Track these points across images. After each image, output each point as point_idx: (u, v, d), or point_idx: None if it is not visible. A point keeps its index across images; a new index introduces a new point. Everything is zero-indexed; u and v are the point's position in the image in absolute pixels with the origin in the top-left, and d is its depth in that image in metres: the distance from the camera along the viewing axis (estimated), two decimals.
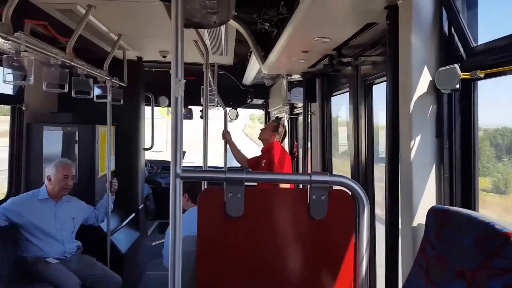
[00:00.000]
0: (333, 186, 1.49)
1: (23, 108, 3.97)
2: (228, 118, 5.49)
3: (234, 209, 1.50)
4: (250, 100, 6.18)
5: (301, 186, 2.59)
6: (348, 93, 2.75)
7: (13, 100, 3.94)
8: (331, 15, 1.91)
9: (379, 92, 2.56)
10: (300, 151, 5.02)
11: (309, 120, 3.48)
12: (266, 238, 1.55)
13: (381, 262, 1.96)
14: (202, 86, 4.06)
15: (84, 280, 3.54)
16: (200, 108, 6.43)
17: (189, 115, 6.49)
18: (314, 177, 1.44)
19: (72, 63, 3.09)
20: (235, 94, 5.96)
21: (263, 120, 7.38)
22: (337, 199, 1.50)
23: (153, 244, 5.62)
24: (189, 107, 6.40)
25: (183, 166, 1.43)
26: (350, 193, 1.45)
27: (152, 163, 6.55)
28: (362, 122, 2.49)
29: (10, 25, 2.27)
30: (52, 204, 3.67)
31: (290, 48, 2.53)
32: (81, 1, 2.94)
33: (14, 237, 3.53)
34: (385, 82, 2.29)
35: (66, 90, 3.01)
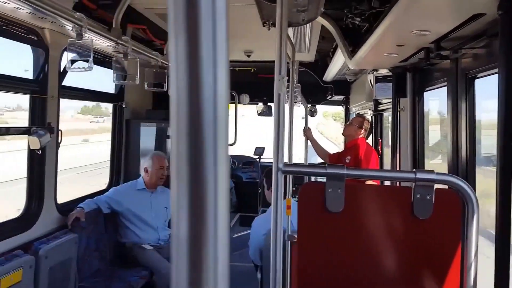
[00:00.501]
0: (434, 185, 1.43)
1: (124, 106, 4.34)
2: None
3: (334, 204, 1.51)
4: (330, 96, 6.11)
5: (394, 183, 2.53)
6: (444, 88, 2.61)
7: (115, 99, 4.31)
8: (435, 7, 1.84)
9: (481, 86, 2.41)
10: (385, 148, 4.87)
11: (399, 117, 3.37)
12: (367, 234, 1.54)
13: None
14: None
15: None
16: None
17: (268, 112, 6.59)
18: (420, 175, 1.41)
19: (170, 64, 3.31)
20: (314, 91, 5.94)
21: (337, 118, 7.23)
22: (443, 198, 1.45)
23: (234, 236, 5.82)
24: (269, 104, 6.50)
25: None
26: (456, 193, 1.40)
27: (233, 158, 6.76)
28: (463, 118, 2.35)
29: (120, 30, 2.50)
30: (148, 194, 3.97)
31: (384, 42, 2.47)
32: None
33: (115, 224, 3.88)
34: (490, 76, 2.15)
35: (165, 89, 3.24)
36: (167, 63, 3.26)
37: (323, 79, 5.77)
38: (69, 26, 2.28)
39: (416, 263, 1.52)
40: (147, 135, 4.49)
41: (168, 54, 0.33)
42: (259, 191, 6.35)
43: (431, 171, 1.42)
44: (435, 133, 3.90)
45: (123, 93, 4.33)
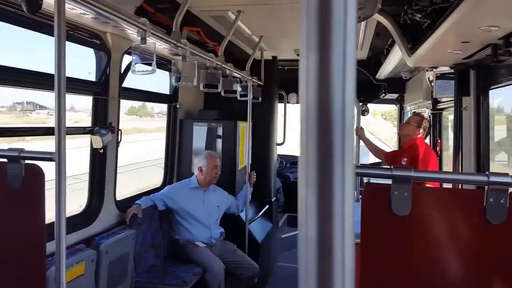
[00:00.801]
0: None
1: (178, 106, 4.46)
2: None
3: (400, 207, 1.46)
4: (383, 95, 5.94)
5: (455, 186, 2.41)
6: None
7: (170, 99, 4.44)
8: (506, 1, 1.72)
9: None
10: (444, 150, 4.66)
11: (461, 116, 3.20)
12: (435, 239, 1.47)
13: None
14: None
15: (227, 265, 3.82)
16: None
17: None
18: (494, 178, 1.33)
19: (223, 66, 3.35)
20: (366, 89, 5.80)
21: (387, 116, 7.01)
22: None
23: (283, 236, 5.81)
24: None
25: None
26: None
27: (281, 157, 6.75)
28: None
29: (179, 33, 2.56)
30: (201, 193, 4.05)
31: (448, 39, 2.35)
32: (232, 7, 3.17)
33: (169, 221, 3.99)
34: None
35: (219, 90, 3.27)
36: (221, 64, 3.30)
37: (376, 77, 5.62)
38: (131, 30, 2.36)
39: (487, 270, 1.44)
40: (199, 134, 4.59)
41: (300, 67, 0.35)
42: None
43: (506, 174, 1.34)
44: (498, 133, 3.68)
45: (177, 94, 4.45)
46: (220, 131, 4.58)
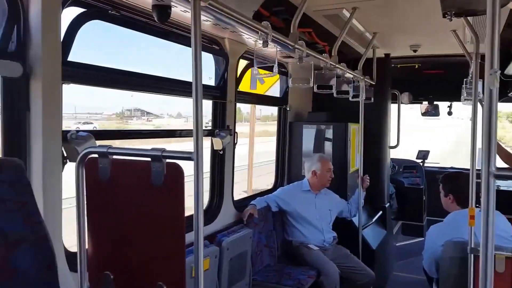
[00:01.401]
0: None
1: (288, 109, 4.51)
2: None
3: None
4: None
5: None
6: None
7: (280, 102, 4.51)
8: None
9: None
10: None
11: None
12: None
13: None
14: (466, 79, 3.69)
15: (341, 270, 3.72)
16: (447, 103, 5.90)
17: (434, 112, 6.05)
18: None
19: (337, 66, 3.28)
20: None
21: None
22: None
23: (397, 244, 5.49)
24: (435, 103, 5.97)
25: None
26: None
27: (393, 161, 6.41)
28: None
29: (297, 35, 2.57)
30: (312, 196, 4.03)
31: None
32: (347, 5, 3.10)
33: (282, 222, 4.03)
34: None
35: (333, 91, 3.22)
36: (334, 64, 3.24)
37: (505, 72, 5.01)
38: (248, 35, 2.44)
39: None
40: (309, 137, 4.58)
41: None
42: (424, 199, 5.86)
43: None
44: None
45: (287, 96, 4.50)
46: (330, 134, 4.51)
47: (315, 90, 3.16)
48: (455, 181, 2.94)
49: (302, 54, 2.64)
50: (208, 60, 3.34)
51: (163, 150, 1.72)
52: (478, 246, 1.64)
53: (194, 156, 1.61)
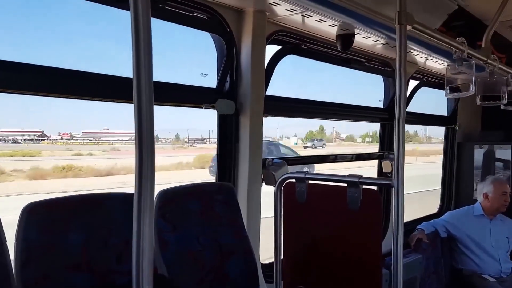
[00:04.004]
0: None
1: (457, 128, 4.24)
2: None
3: None
4: None
5: None
6: None
7: (447, 121, 4.27)
8: None
9: None
10: None
11: None
12: None
13: None
14: None
15: None
16: None
17: None
18: None
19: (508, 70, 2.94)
20: None
21: None
22: None
23: None
24: None
25: None
26: None
27: None
28: None
29: (490, 48, 2.43)
30: (487, 221, 3.70)
31: None
32: None
33: (450, 249, 3.78)
34: None
35: (501, 102, 2.85)
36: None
37: None
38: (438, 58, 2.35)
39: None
40: (480, 158, 4.22)
41: None
42: None
43: None
44: None
45: (455, 114, 4.24)
46: (507, 154, 4.08)
47: (478, 103, 2.87)
48: None
49: (493, 69, 2.49)
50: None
51: (360, 177, 1.82)
52: None
53: (395, 182, 1.64)
